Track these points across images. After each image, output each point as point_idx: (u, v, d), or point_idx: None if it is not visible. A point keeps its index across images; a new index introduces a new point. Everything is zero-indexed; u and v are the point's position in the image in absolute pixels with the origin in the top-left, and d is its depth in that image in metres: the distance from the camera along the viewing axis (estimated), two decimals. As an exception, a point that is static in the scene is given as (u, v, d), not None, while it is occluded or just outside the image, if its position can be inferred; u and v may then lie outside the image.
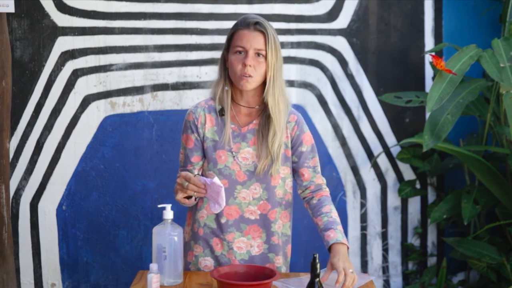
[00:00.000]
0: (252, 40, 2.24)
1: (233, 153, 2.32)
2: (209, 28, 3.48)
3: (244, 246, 2.36)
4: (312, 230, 3.59)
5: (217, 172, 2.31)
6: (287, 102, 2.34)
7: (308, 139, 2.38)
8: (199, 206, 2.38)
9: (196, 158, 2.35)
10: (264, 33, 2.25)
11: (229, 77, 2.32)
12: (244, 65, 2.24)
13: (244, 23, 2.27)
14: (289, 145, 2.36)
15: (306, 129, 2.38)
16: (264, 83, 2.30)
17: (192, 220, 2.41)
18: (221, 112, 2.33)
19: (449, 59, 3.09)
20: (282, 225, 2.40)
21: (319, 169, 2.40)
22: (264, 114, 2.32)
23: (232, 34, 2.29)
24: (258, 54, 2.25)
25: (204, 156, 2.35)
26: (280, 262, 2.40)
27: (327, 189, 2.41)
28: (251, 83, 2.27)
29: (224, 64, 2.33)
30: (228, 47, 2.31)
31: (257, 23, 2.25)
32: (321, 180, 2.40)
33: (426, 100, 2.98)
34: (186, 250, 2.40)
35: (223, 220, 2.34)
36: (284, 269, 2.41)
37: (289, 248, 2.44)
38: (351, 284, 2.09)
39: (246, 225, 2.34)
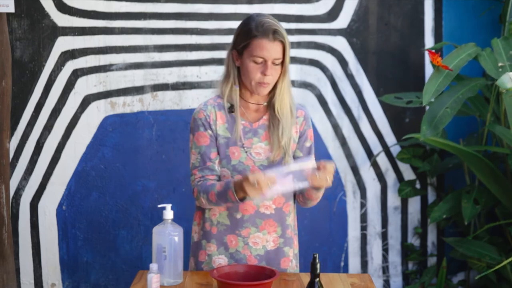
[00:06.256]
0: (272, 51, 2.25)
1: (246, 148, 2.32)
2: (209, 28, 3.48)
3: (260, 242, 2.36)
4: (312, 230, 3.60)
5: (231, 168, 2.31)
6: (293, 100, 2.37)
7: (312, 135, 2.42)
8: None
9: (214, 154, 2.33)
10: (282, 42, 2.27)
11: (238, 75, 2.33)
12: (264, 74, 2.26)
13: (262, 30, 2.25)
14: (296, 140, 2.39)
15: (311, 125, 2.43)
16: None
17: (203, 220, 2.39)
18: (231, 109, 2.34)
19: (447, 56, 3.11)
20: (293, 217, 2.41)
21: None
22: (271, 109, 2.35)
23: (250, 41, 2.27)
24: (276, 63, 2.28)
25: (219, 152, 2.36)
26: (292, 254, 2.41)
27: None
28: (268, 89, 2.31)
29: (233, 62, 2.33)
30: (241, 49, 2.29)
31: (275, 31, 2.26)
32: None
33: (422, 94, 2.98)
34: (197, 250, 2.39)
35: (238, 216, 2.33)
36: (294, 262, 2.42)
37: (296, 239, 2.46)
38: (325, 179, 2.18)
39: (261, 220, 2.34)
